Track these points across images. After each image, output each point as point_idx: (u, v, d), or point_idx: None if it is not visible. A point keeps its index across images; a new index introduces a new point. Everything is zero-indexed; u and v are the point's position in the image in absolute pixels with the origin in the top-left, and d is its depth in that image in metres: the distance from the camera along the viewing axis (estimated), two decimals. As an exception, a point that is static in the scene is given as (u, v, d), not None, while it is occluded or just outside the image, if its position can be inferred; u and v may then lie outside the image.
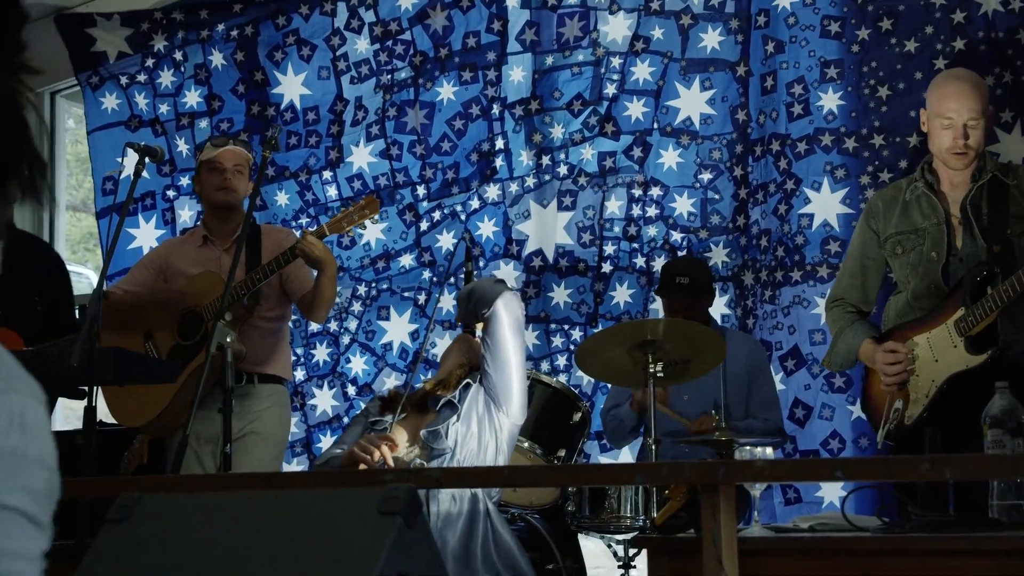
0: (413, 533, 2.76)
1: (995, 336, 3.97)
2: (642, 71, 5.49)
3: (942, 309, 4.09)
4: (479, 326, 4.10)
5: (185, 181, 6.29)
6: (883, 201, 4.35)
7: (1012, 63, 4.78)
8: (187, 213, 6.24)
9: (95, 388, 4.06)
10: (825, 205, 5.10)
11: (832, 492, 4.91)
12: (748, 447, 3.57)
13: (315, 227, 5.10)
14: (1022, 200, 4.11)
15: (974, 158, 4.15)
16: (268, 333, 4.92)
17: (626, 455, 5.31)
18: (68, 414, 6.55)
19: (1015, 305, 3.92)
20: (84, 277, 8.05)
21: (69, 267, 5.47)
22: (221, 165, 4.93)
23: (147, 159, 4.66)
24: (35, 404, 1.18)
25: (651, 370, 4.25)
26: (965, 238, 4.14)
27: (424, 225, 5.87)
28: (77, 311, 5.26)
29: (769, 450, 3.52)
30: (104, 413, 4.78)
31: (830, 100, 5.12)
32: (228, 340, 4.09)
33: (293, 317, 5.88)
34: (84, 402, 4.10)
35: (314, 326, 5.94)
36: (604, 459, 5.38)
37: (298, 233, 5.16)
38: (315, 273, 4.82)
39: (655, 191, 5.46)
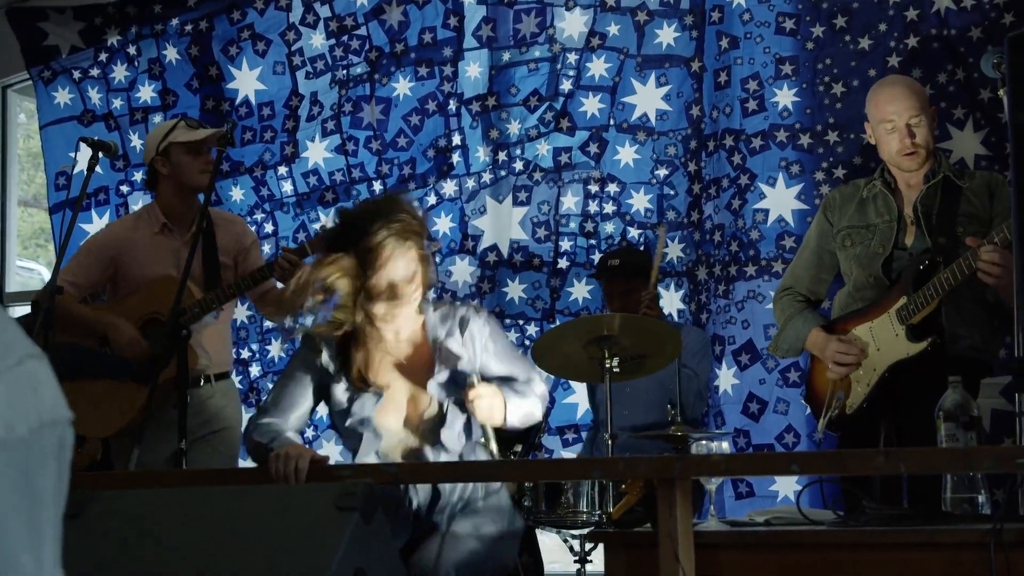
0: (371, 529, 2.76)
1: (937, 324, 4.02)
2: (598, 67, 5.50)
3: (885, 298, 4.14)
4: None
5: (139, 176, 6.24)
6: (841, 195, 4.40)
7: (964, 60, 4.83)
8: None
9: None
10: (780, 200, 5.13)
11: (786, 486, 4.93)
12: (704, 441, 3.58)
13: (297, 245, 5.00)
14: (976, 201, 4.14)
15: (926, 157, 4.20)
16: (220, 333, 4.89)
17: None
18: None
19: (962, 298, 3.98)
20: (36, 273, 7.99)
21: (21, 263, 5.40)
22: (204, 147, 4.83)
23: (101, 154, 4.62)
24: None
25: (607, 365, 4.26)
26: (917, 235, 4.18)
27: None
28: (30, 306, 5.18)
29: (725, 444, 3.54)
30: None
31: (785, 96, 5.15)
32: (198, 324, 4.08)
33: (248, 313, 5.88)
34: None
35: (269, 322, 5.91)
36: (566, 454, 5.39)
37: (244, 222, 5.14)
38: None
39: (612, 187, 5.47)
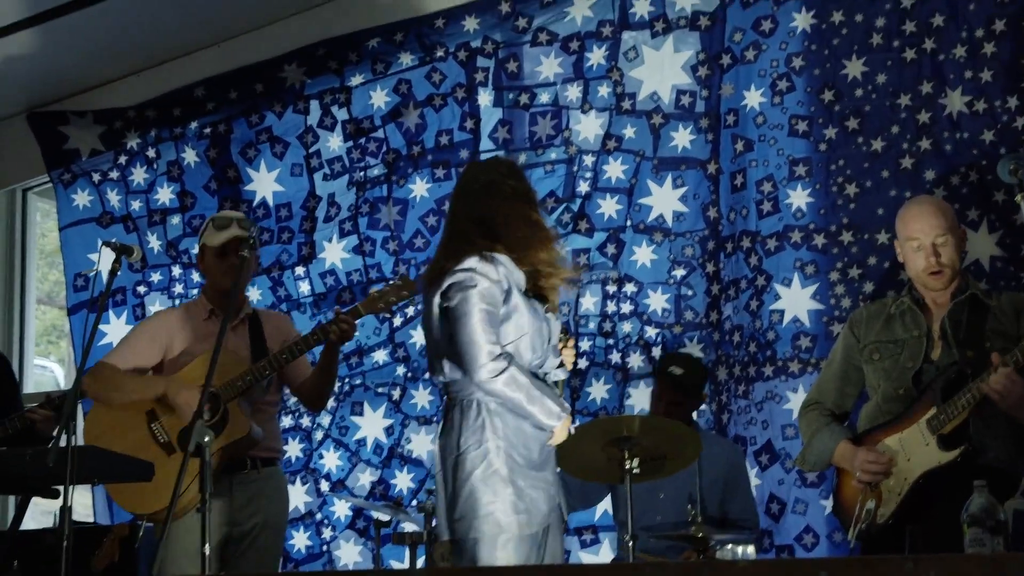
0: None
1: (966, 434, 4.03)
2: (615, 169, 5.56)
3: (914, 410, 4.16)
4: None
5: (156, 277, 6.30)
6: (868, 312, 4.46)
7: (977, 163, 4.88)
8: (158, 309, 6.21)
9: (71, 488, 4.00)
10: (795, 301, 5.16)
11: (809, 589, 4.90)
12: (730, 546, 3.58)
13: (347, 308, 5.03)
14: (1004, 319, 4.21)
15: (952, 277, 4.27)
16: (269, 418, 4.91)
17: (606, 551, 5.30)
18: (32, 511, 6.46)
19: (990, 409, 3.99)
20: (48, 370, 7.99)
21: (34, 360, 5.43)
22: (229, 249, 4.87)
23: (123, 257, 4.65)
24: None
25: (627, 466, 4.26)
26: (944, 349, 4.22)
27: (397, 321, 5.88)
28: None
29: (751, 549, 3.54)
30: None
31: (799, 197, 5.20)
32: (207, 440, 4.02)
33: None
34: (59, 501, 4.05)
35: (287, 421, 5.91)
36: (584, 555, 5.36)
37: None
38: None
39: (629, 287, 5.50)
